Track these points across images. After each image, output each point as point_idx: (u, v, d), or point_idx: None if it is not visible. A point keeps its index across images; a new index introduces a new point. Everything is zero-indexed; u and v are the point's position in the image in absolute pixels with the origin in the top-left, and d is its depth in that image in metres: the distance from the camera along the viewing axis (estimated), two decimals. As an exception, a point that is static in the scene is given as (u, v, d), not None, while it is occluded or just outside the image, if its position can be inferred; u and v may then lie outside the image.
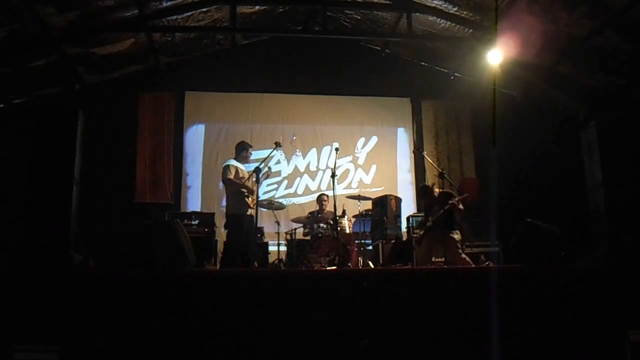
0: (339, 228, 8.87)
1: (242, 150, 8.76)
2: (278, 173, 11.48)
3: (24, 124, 7.27)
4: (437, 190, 8.67)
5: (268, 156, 9.12)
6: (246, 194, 8.43)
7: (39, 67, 9.28)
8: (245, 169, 8.73)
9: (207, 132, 11.59)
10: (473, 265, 8.13)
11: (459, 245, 8.24)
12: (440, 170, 8.38)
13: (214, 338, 5.54)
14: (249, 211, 8.44)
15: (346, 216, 9.53)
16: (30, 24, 8.24)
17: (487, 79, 10.38)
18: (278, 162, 11.50)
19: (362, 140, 11.99)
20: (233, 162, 8.62)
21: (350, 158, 11.80)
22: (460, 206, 8.19)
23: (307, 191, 11.56)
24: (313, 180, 11.64)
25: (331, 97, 12.08)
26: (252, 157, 9.01)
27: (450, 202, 8.15)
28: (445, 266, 7.89)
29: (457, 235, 8.25)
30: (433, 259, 8.77)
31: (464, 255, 8.20)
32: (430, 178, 11.14)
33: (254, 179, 8.20)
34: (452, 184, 8.88)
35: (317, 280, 6.16)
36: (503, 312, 5.59)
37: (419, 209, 10.86)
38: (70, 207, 6.34)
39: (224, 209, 10.45)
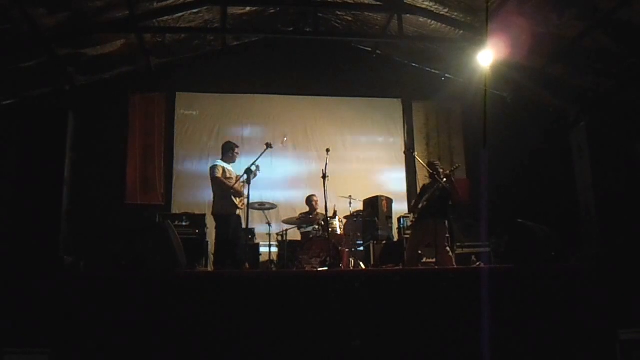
0: (330, 229, 8.87)
1: (228, 150, 8.72)
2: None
3: (14, 125, 7.22)
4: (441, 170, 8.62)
5: (259, 157, 9.09)
6: (234, 193, 8.39)
7: (29, 67, 9.25)
8: (232, 169, 8.70)
9: (198, 133, 11.56)
10: (454, 265, 8.13)
11: (447, 238, 8.22)
12: (431, 172, 8.39)
13: (205, 339, 5.53)
14: (237, 211, 8.42)
15: (337, 217, 9.53)
16: (20, 25, 8.20)
17: (477, 80, 10.41)
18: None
19: (353, 141, 12.00)
20: (220, 163, 8.60)
21: (341, 159, 11.79)
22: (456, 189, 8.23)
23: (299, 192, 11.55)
24: (304, 181, 11.64)
25: (322, 98, 12.09)
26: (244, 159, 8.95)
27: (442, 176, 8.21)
28: (436, 267, 7.90)
29: (445, 226, 8.23)
30: (425, 259, 8.79)
31: (448, 249, 8.18)
32: (422, 179, 11.16)
33: (244, 180, 8.22)
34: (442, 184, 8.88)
35: (308, 281, 6.16)
36: (494, 312, 5.61)
37: (410, 210, 10.85)
38: (61, 209, 6.32)
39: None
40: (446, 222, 8.22)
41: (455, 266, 8.01)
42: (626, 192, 6.76)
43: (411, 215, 8.68)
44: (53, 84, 10.19)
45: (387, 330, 5.71)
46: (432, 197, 8.26)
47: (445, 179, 8.22)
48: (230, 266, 7.92)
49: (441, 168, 8.58)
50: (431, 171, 8.46)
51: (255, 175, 8.50)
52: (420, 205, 8.39)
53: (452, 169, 8.57)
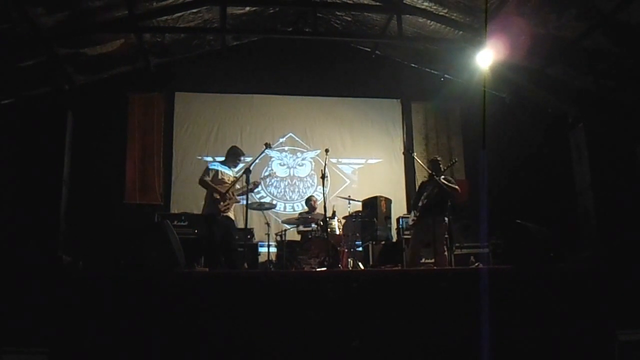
0: (328, 229, 8.87)
1: (234, 157, 8.51)
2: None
3: (12, 125, 7.23)
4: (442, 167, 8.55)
5: (258, 157, 9.06)
6: (218, 198, 8.06)
7: (28, 67, 9.22)
8: (231, 173, 8.43)
9: (197, 133, 11.55)
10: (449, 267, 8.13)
11: (446, 238, 8.17)
12: (431, 172, 8.39)
13: (203, 339, 5.53)
14: (224, 213, 8.12)
15: (336, 217, 9.53)
16: (19, 24, 8.19)
17: (476, 80, 10.40)
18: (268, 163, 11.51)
19: (353, 141, 12.00)
20: (216, 166, 8.39)
21: (340, 159, 11.80)
22: (455, 185, 8.20)
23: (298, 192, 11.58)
24: (303, 181, 11.65)
25: (321, 98, 12.08)
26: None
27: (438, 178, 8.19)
28: (435, 267, 7.90)
29: (445, 224, 8.19)
30: (423, 259, 8.78)
31: (444, 249, 8.09)
32: (420, 179, 11.13)
33: (244, 181, 8.19)
34: (441, 184, 8.86)
35: (307, 281, 6.16)
36: (493, 313, 5.61)
37: (409, 210, 10.84)
38: (59, 208, 6.33)
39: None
40: (445, 221, 8.19)
41: (453, 267, 7.99)
42: (625, 193, 6.77)
43: (411, 215, 8.65)
44: (52, 84, 10.16)
45: (386, 331, 5.71)
46: (431, 195, 8.25)
47: (443, 177, 8.23)
48: (222, 267, 7.81)
49: (443, 165, 8.56)
50: (430, 171, 8.44)
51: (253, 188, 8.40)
52: (420, 204, 8.39)
53: (449, 164, 8.56)
